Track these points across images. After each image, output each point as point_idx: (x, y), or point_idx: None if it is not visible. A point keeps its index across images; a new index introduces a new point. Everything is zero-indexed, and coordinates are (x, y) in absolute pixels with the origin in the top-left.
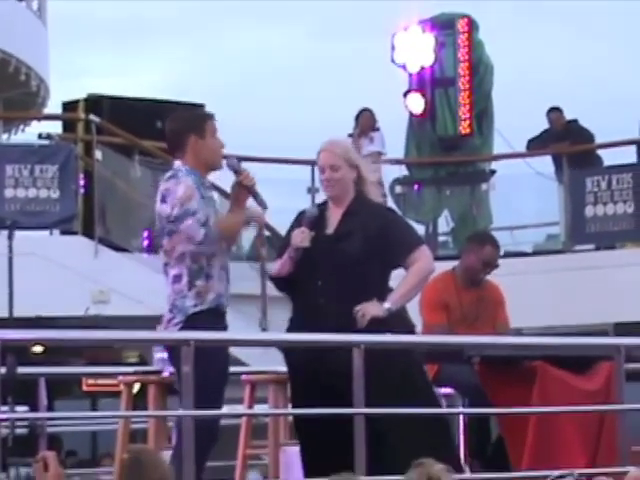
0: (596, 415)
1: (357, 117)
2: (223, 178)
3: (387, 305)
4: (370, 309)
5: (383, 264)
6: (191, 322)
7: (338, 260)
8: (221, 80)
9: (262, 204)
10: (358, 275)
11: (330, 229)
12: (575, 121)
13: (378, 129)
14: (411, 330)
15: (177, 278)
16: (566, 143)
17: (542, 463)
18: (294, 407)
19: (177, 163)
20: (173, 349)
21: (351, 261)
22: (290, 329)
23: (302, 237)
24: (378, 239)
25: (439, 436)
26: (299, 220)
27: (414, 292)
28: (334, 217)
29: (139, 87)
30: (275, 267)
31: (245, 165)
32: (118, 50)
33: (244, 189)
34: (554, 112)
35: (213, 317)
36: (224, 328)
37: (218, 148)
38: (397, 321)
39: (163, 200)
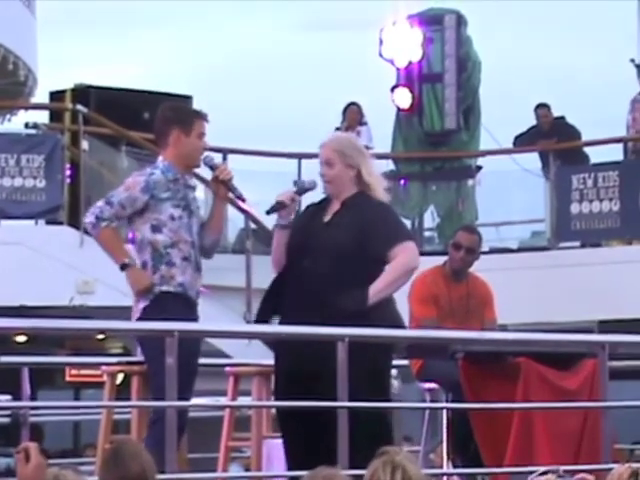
0: (579, 412)
1: (344, 111)
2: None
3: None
4: (352, 301)
5: (368, 257)
6: (159, 302)
7: (326, 245)
8: (206, 71)
9: (240, 197)
10: (343, 262)
11: (327, 218)
12: (562, 118)
13: (365, 123)
14: (397, 325)
15: (143, 265)
16: (553, 140)
17: (525, 460)
18: (277, 399)
19: (159, 159)
20: (142, 341)
21: (338, 248)
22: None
23: (286, 195)
24: (363, 233)
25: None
26: (301, 212)
27: (392, 287)
28: (333, 208)
29: (125, 77)
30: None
31: (231, 158)
32: (105, 40)
33: (221, 184)
34: (542, 108)
35: (181, 303)
36: (195, 319)
37: (199, 149)
38: (381, 315)
39: None
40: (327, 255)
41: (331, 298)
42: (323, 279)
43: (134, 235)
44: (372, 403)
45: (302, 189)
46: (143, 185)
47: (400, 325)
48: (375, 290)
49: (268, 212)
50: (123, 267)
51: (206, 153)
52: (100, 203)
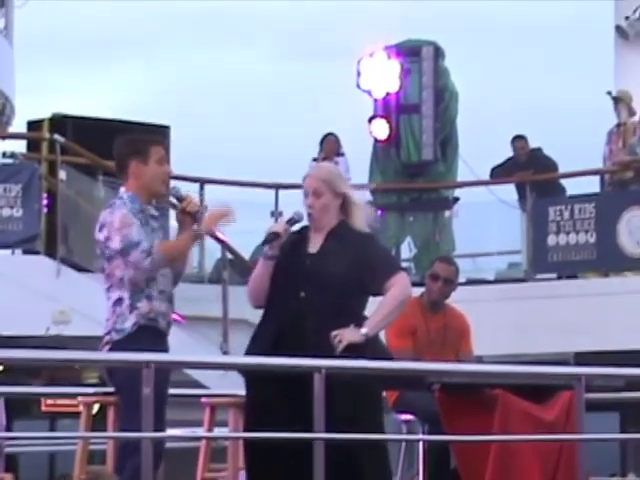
0: (555, 444)
1: (322, 142)
2: None
3: (364, 331)
4: (347, 335)
5: (361, 290)
6: (129, 338)
7: (323, 276)
8: (184, 101)
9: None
10: (340, 296)
11: (313, 248)
12: (539, 149)
13: (343, 154)
14: (387, 357)
15: (119, 301)
16: (529, 172)
17: None
18: (247, 430)
19: (121, 190)
20: (112, 372)
21: (334, 281)
22: (256, 342)
23: (280, 226)
24: (357, 265)
25: (379, 463)
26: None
27: (391, 317)
28: (317, 238)
29: (102, 107)
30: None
31: (208, 187)
32: (82, 69)
33: (188, 215)
34: (518, 140)
35: (153, 334)
36: (165, 350)
37: (161, 175)
38: (372, 348)
39: (100, 229)
40: (322, 287)
41: (329, 331)
42: (320, 311)
43: (112, 271)
44: (349, 435)
45: (294, 220)
46: (130, 214)
47: (390, 357)
48: (373, 323)
49: (263, 243)
50: (196, 237)
51: (173, 184)
52: (135, 254)
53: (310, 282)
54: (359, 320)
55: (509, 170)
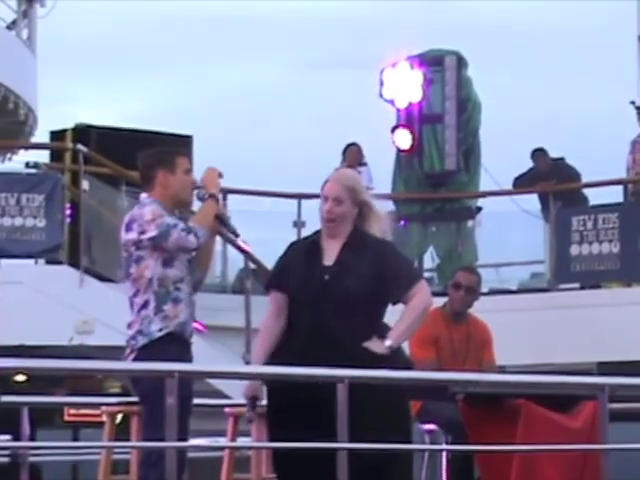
0: (579, 455)
1: (344, 151)
2: None
3: (388, 342)
4: (373, 347)
5: (382, 300)
6: (154, 346)
7: (342, 294)
8: (207, 111)
9: (233, 232)
10: (360, 311)
11: (329, 260)
12: (562, 159)
13: (365, 164)
14: (409, 367)
15: (145, 305)
16: (552, 182)
17: None
18: (272, 440)
19: (142, 195)
20: (136, 381)
21: (354, 298)
22: (280, 356)
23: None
24: (377, 277)
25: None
26: (290, 250)
27: (414, 327)
28: (332, 248)
29: (125, 116)
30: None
31: (231, 197)
32: (105, 79)
33: (215, 218)
34: (538, 153)
35: (178, 343)
36: (189, 360)
37: (188, 185)
38: (396, 358)
39: (128, 228)
40: (342, 303)
41: (356, 346)
42: (342, 328)
43: (140, 273)
44: (372, 445)
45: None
46: (160, 209)
47: (412, 367)
48: (397, 334)
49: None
50: (214, 197)
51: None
52: (175, 234)
53: (330, 299)
54: (380, 331)
55: (532, 180)
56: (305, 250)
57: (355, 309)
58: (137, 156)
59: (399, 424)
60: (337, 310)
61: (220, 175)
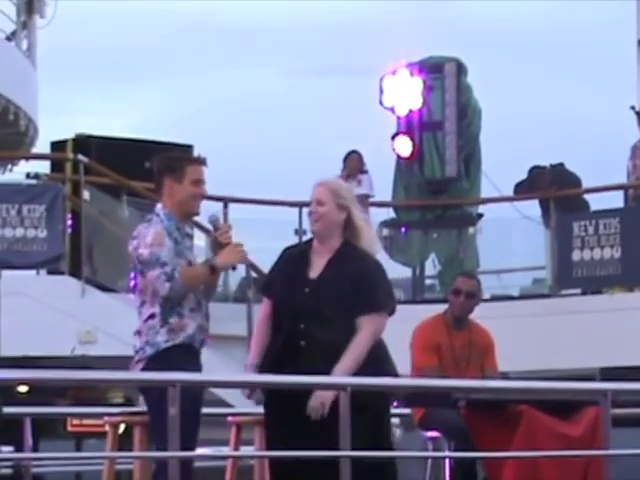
0: (581, 461)
1: (345, 159)
2: None
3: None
4: (327, 397)
5: (353, 315)
6: (161, 357)
7: (319, 309)
8: (207, 120)
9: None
10: (338, 323)
11: (314, 273)
12: (561, 165)
13: (366, 172)
14: (392, 374)
15: (151, 316)
16: (553, 188)
17: None
18: (269, 449)
19: (158, 206)
20: (145, 391)
21: (333, 309)
22: (264, 366)
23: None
24: (355, 291)
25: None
26: (282, 258)
27: (359, 360)
28: (319, 262)
29: (125, 127)
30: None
31: (232, 206)
32: (105, 89)
33: (219, 246)
34: (536, 171)
35: (185, 353)
36: (198, 368)
37: (194, 195)
38: (377, 364)
39: (132, 240)
40: (319, 319)
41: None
42: (318, 343)
43: (145, 285)
44: (375, 452)
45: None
46: (164, 233)
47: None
48: (343, 369)
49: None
50: (213, 270)
51: (213, 212)
52: (157, 272)
53: (308, 314)
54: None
55: (533, 186)
56: (294, 260)
57: (330, 323)
58: (136, 165)
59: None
60: (313, 323)
61: (241, 258)
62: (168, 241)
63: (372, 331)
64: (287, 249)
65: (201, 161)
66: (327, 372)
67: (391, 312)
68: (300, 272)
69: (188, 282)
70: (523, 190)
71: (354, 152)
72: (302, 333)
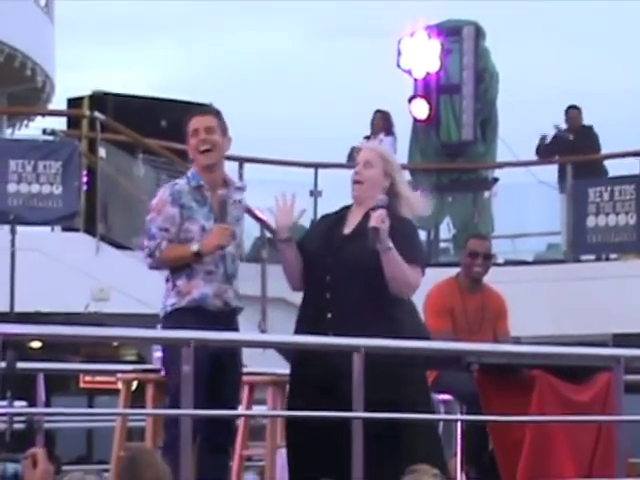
0: (593, 426)
1: (372, 120)
2: None
3: (390, 245)
4: (379, 214)
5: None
6: (169, 319)
7: (348, 257)
8: (224, 79)
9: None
10: (366, 275)
11: (348, 228)
12: (590, 128)
13: (392, 133)
14: (424, 337)
15: (167, 278)
16: (575, 151)
17: (538, 473)
18: (289, 407)
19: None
20: (166, 350)
21: (358, 264)
22: (298, 322)
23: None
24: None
25: (431, 444)
26: (316, 222)
27: (399, 270)
28: (354, 218)
29: (143, 84)
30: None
31: (247, 166)
32: (123, 47)
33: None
34: (572, 110)
35: (192, 316)
36: (214, 328)
37: (193, 147)
38: (409, 326)
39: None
40: (346, 270)
41: (352, 318)
42: (344, 295)
43: None
44: (389, 414)
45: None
46: (170, 199)
47: (427, 338)
48: (395, 254)
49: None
50: (198, 255)
51: (222, 191)
52: (145, 242)
53: (336, 266)
54: (383, 308)
55: (556, 147)
56: (330, 221)
57: (355, 281)
58: (169, 119)
59: (414, 393)
60: (339, 280)
61: (223, 244)
62: (170, 208)
63: (415, 280)
64: (324, 216)
65: (200, 111)
66: (350, 327)
67: (423, 271)
68: (334, 231)
69: (168, 262)
70: (545, 152)
71: (378, 112)
72: (328, 305)
